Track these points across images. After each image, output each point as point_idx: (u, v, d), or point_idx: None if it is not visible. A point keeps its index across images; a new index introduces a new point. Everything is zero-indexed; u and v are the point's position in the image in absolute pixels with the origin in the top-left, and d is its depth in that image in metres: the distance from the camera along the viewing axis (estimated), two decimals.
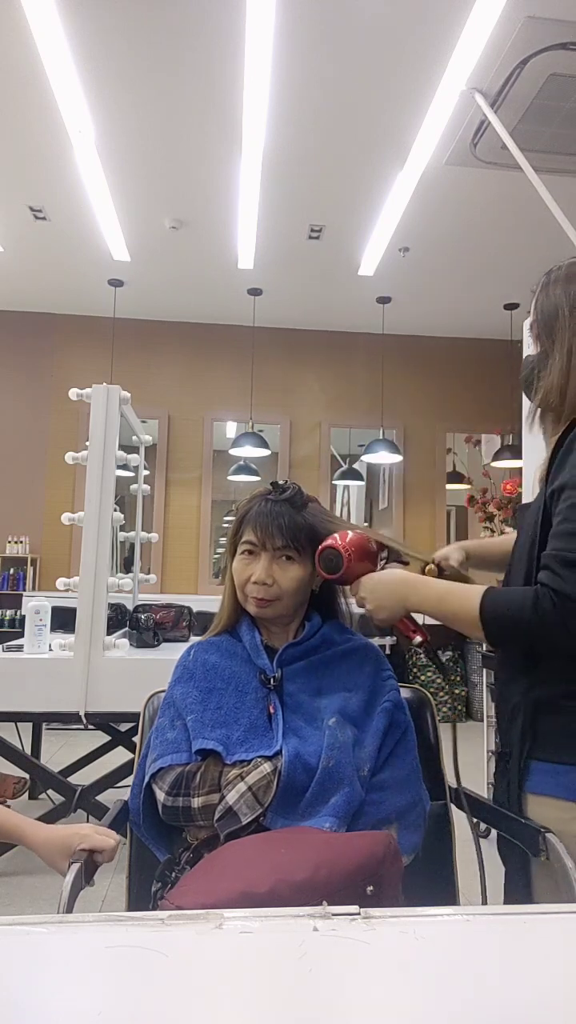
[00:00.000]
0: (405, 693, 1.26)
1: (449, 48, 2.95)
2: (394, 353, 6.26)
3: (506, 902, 1.08)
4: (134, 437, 3.33)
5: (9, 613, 5.52)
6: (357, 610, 1.19)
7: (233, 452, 5.73)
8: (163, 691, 1.18)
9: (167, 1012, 0.51)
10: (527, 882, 1.03)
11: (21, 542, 5.78)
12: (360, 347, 6.31)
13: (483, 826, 1.12)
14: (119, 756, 3.15)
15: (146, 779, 1.06)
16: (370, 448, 5.72)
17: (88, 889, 0.95)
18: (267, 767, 1.00)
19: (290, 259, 5.01)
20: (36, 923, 0.61)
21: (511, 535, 1.29)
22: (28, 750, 3.28)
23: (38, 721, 3.34)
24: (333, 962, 0.57)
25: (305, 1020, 0.50)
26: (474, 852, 1.08)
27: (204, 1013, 0.51)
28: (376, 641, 1.23)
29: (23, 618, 2.79)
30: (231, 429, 6.48)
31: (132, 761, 1.85)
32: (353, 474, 6.64)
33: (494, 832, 1.10)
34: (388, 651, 5.39)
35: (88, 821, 2.46)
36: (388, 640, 5.41)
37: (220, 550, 5.89)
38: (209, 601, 1.33)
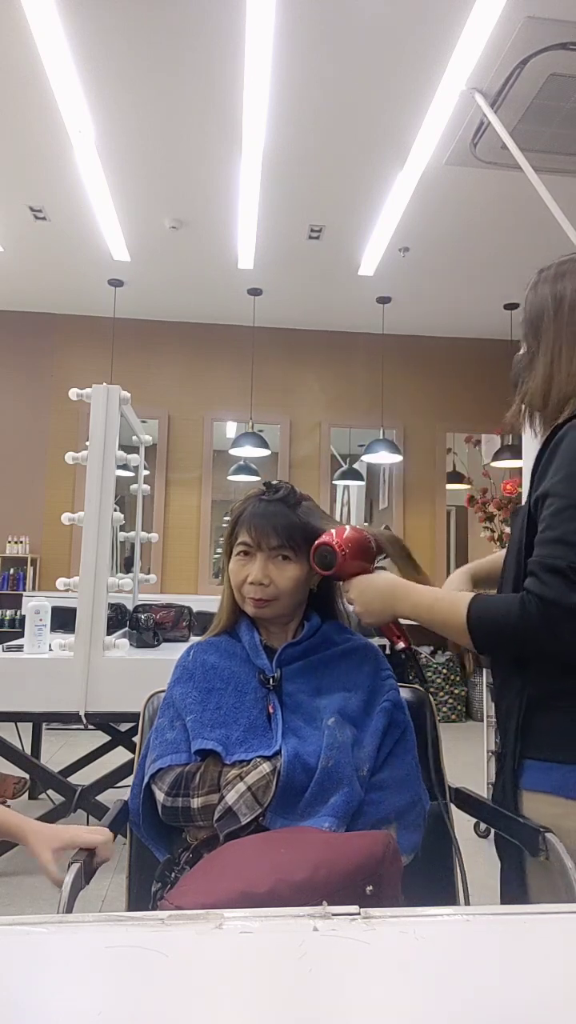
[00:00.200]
0: (405, 693, 1.26)
1: (449, 48, 2.95)
2: (394, 353, 6.26)
3: (502, 898, 1.09)
4: (134, 437, 3.33)
5: (9, 613, 5.52)
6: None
7: (233, 452, 5.73)
8: (163, 691, 1.18)
9: (167, 1012, 0.51)
10: (522, 879, 1.03)
11: (21, 542, 5.78)
12: (360, 347, 6.31)
13: (483, 826, 1.12)
14: (119, 756, 3.15)
15: (145, 780, 1.06)
16: (370, 448, 5.72)
17: (88, 889, 0.95)
18: (266, 767, 1.00)
19: (290, 259, 5.01)
20: (36, 923, 0.61)
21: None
22: (28, 750, 3.28)
23: (38, 721, 3.34)
24: (333, 962, 0.57)
25: (305, 1020, 0.50)
26: (474, 852, 1.08)
27: (204, 1013, 0.51)
28: (376, 641, 1.23)
29: (23, 618, 2.79)
30: (231, 429, 6.48)
31: (132, 761, 1.85)
32: (353, 474, 6.64)
33: (493, 831, 1.10)
34: (388, 651, 5.38)
35: (88, 821, 2.47)
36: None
37: (220, 550, 5.89)
38: (209, 601, 1.33)
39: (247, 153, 3.70)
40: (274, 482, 1.16)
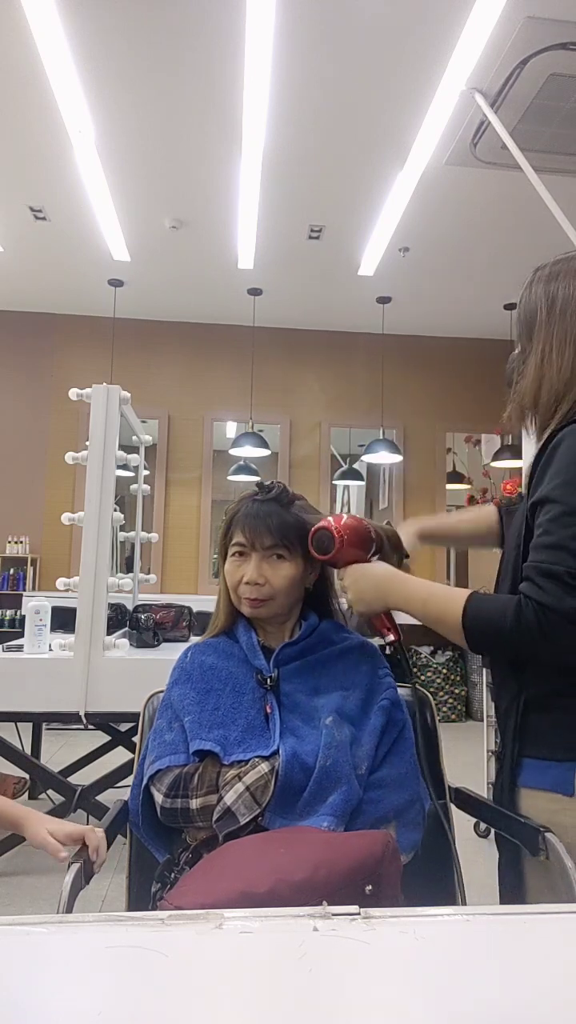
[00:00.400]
0: (403, 692, 1.26)
1: (449, 48, 2.95)
2: (394, 353, 6.26)
3: (501, 893, 1.09)
4: (134, 437, 3.33)
5: (9, 613, 5.52)
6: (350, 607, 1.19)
7: (233, 452, 5.73)
8: (163, 691, 1.18)
9: (167, 1012, 0.51)
10: (519, 874, 1.04)
11: (21, 542, 5.78)
12: (360, 347, 6.31)
13: (483, 826, 1.12)
14: (119, 756, 3.15)
15: (144, 781, 1.06)
16: (370, 448, 5.72)
17: (88, 889, 0.95)
18: (264, 767, 1.00)
19: (290, 259, 5.01)
20: (36, 923, 0.61)
21: (466, 512, 1.30)
22: (28, 750, 3.28)
23: (38, 721, 3.34)
24: (333, 962, 0.57)
25: (305, 1020, 0.50)
26: (474, 852, 1.08)
27: (204, 1013, 0.51)
28: (376, 641, 1.23)
29: (23, 618, 2.79)
30: (231, 429, 6.48)
31: (132, 761, 1.85)
32: (353, 474, 6.64)
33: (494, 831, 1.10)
34: (388, 651, 5.38)
35: (88, 821, 2.47)
36: (390, 649, 5.41)
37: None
38: (209, 601, 1.33)
39: (247, 153, 3.70)
40: (267, 482, 1.17)
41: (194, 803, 1.00)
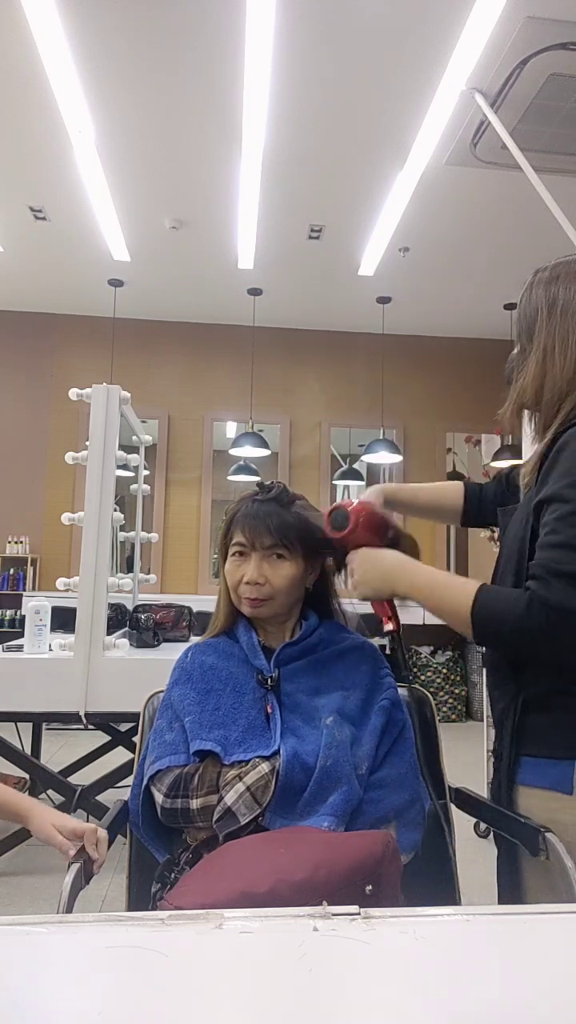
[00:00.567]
0: (404, 692, 1.26)
1: (449, 48, 2.95)
2: (394, 353, 6.26)
3: (499, 891, 1.10)
4: (134, 437, 3.33)
5: (9, 613, 5.52)
6: (356, 606, 1.19)
7: (233, 452, 5.73)
8: (163, 691, 1.18)
9: (167, 1012, 0.51)
10: (517, 871, 1.04)
11: (21, 542, 5.78)
12: (360, 347, 6.31)
13: (483, 826, 1.12)
14: (119, 756, 3.15)
15: (144, 781, 1.06)
16: (370, 448, 5.72)
17: (88, 889, 0.95)
18: (265, 767, 1.00)
19: (290, 259, 5.01)
20: (36, 923, 0.61)
21: (431, 485, 1.32)
22: (28, 750, 3.28)
23: (38, 721, 3.34)
24: (333, 962, 0.57)
25: (305, 1020, 0.50)
26: (474, 852, 1.08)
27: (204, 1013, 0.51)
28: (376, 641, 1.23)
29: (23, 618, 2.79)
30: (231, 429, 6.47)
31: (132, 761, 1.85)
32: (353, 474, 6.64)
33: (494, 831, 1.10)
34: (388, 651, 5.39)
35: (88, 821, 2.46)
36: (388, 640, 5.41)
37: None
38: (209, 601, 1.33)
39: (247, 153, 3.70)
40: (267, 482, 1.17)
41: (194, 803, 1.00)
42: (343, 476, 6.56)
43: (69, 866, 0.94)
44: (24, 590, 5.63)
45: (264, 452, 5.63)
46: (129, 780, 1.29)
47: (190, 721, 1.06)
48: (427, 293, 5.55)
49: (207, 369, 6.21)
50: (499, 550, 1.12)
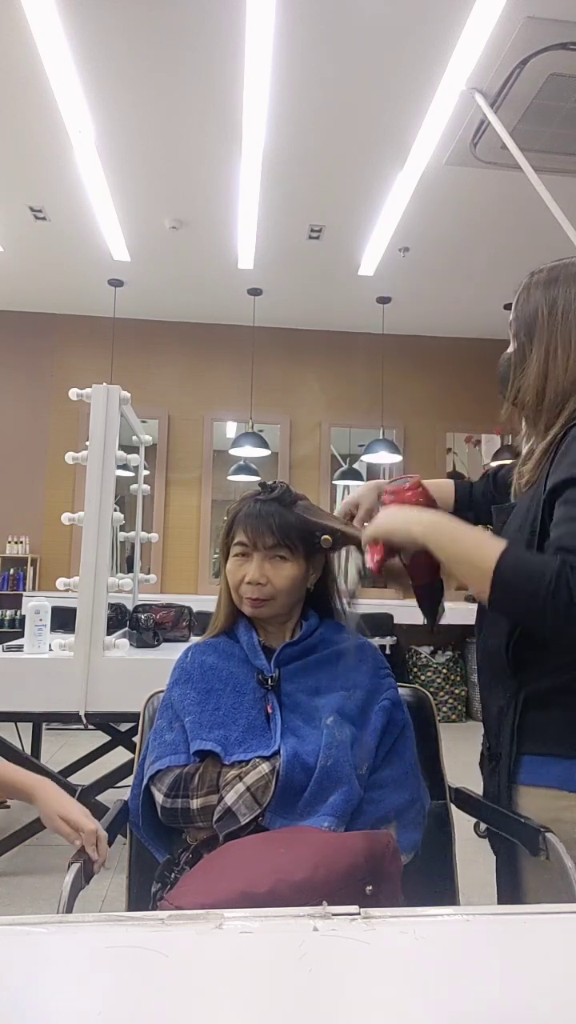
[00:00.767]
0: (405, 693, 1.26)
1: (449, 48, 2.95)
2: (394, 353, 6.25)
3: (499, 891, 1.10)
4: (134, 437, 3.33)
5: (9, 613, 5.52)
6: (352, 601, 1.18)
7: (233, 452, 5.73)
8: (163, 691, 1.18)
9: (167, 1012, 0.51)
10: (516, 871, 1.04)
11: (21, 542, 5.78)
12: (360, 347, 6.31)
13: (483, 826, 1.12)
14: (119, 756, 3.15)
15: (144, 781, 1.06)
16: (370, 448, 5.72)
17: (88, 889, 0.95)
18: (265, 767, 1.00)
19: (290, 259, 5.01)
20: (36, 923, 0.61)
21: (429, 483, 1.29)
22: (28, 750, 3.28)
23: (38, 721, 3.34)
24: (333, 962, 0.57)
25: (305, 1020, 0.50)
26: (474, 852, 1.08)
27: (204, 1013, 0.51)
28: (376, 641, 1.23)
29: (23, 618, 2.79)
30: (231, 429, 6.47)
31: (132, 761, 1.85)
32: (353, 474, 6.63)
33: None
34: (388, 651, 5.39)
35: None
36: (388, 640, 5.42)
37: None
38: (209, 601, 1.33)
39: (247, 153, 3.70)
40: (269, 482, 1.17)
41: (194, 803, 1.00)
42: (343, 476, 6.56)
43: (69, 866, 0.94)
44: (24, 590, 5.63)
45: (264, 452, 5.63)
46: (129, 780, 1.29)
47: (190, 721, 1.06)
48: (427, 293, 5.54)
49: (207, 369, 6.21)
50: None
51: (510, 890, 1.07)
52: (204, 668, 1.12)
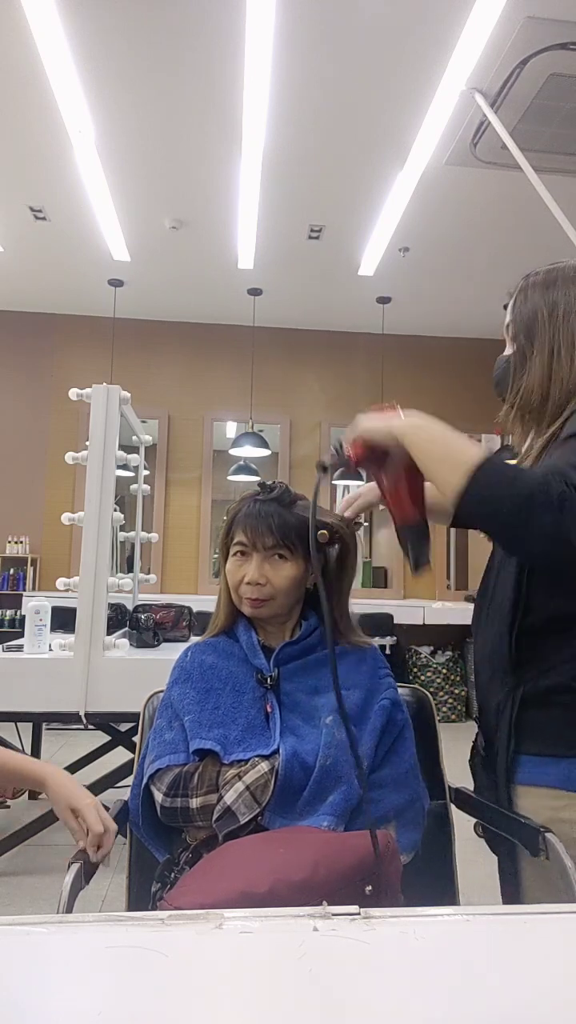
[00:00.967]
0: (405, 693, 1.26)
1: (449, 48, 2.95)
2: (394, 353, 6.25)
3: (503, 890, 1.10)
4: (134, 437, 3.33)
5: (9, 613, 5.52)
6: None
7: (233, 452, 5.73)
8: (163, 691, 1.18)
9: (167, 1012, 0.51)
10: (517, 871, 1.04)
11: (21, 542, 5.78)
12: (360, 347, 6.31)
13: (481, 828, 1.12)
14: (119, 756, 3.14)
15: (144, 780, 1.06)
16: None
17: (88, 889, 0.95)
18: (264, 766, 1.00)
19: (290, 259, 5.01)
20: (36, 923, 0.61)
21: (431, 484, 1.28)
22: (28, 750, 3.28)
23: (38, 721, 3.34)
24: (333, 962, 0.57)
25: (305, 1020, 0.50)
26: (473, 852, 1.08)
27: (204, 1013, 0.51)
28: (376, 641, 1.23)
29: (23, 618, 2.79)
30: (231, 429, 6.47)
31: (132, 761, 1.85)
32: (353, 474, 6.63)
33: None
34: (388, 651, 5.39)
35: None
36: (388, 640, 5.42)
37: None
38: (209, 601, 1.33)
39: (247, 153, 3.70)
40: (268, 482, 1.17)
41: (194, 802, 1.00)
42: (343, 476, 6.56)
43: (69, 866, 0.94)
44: (24, 590, 5.63)
45: (264, 452, 5.63)
46: (129, 780, 1.29)
47: (190, 720, 1.06)
48: (427, 293, 5.54)
49: (207, 369, 6.21)
50: (493, 545, 1.12)
51: (510, 890, 1.07)
52: (204, 667, 1.12)
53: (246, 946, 0.60)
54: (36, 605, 2.53)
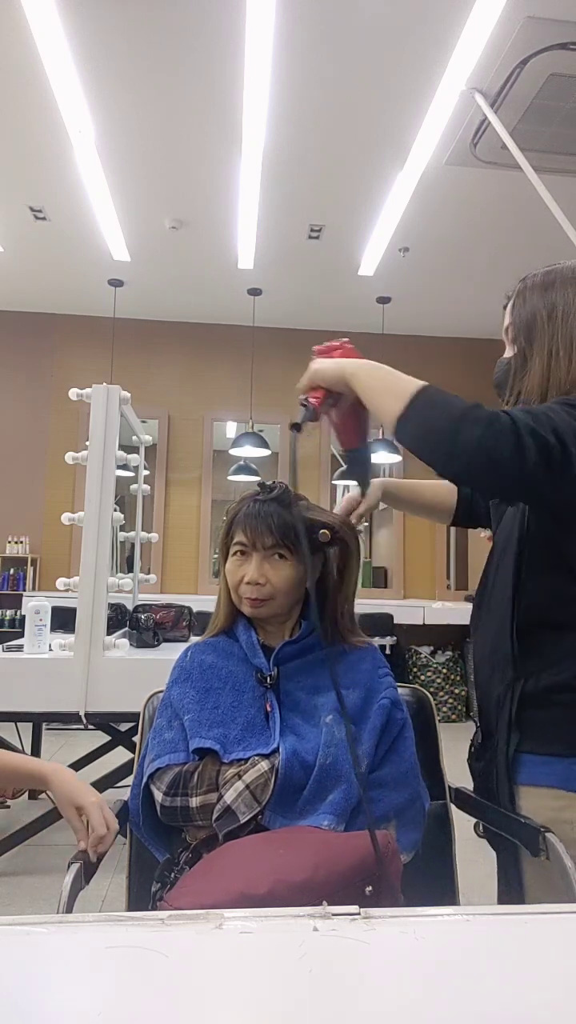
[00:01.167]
0: (405, 693, 1.26)
1: (449, 48, 2.95)
2: (394, 353, 6.25)
3: (500, 890, 1.10)
4: (134, 437, 3.33)
5: (9, 613, 5.52)
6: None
7: (233, 452, 5.73)
8: (162, 691, 1.18)
9: (167, 1012, 0.51)
10: (518, 870, 1.04)
11: (21, 542, 5.78)
12: (360, 347, 6.24)
13: (483, 825, 1.12)
14: (119, 756, 3.14)
15: (144, 779, 1.06)
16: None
17: (88, 889, 0.95)
18: (264, 765, 1.00)
19: (290, 259, 5.01)
20: (36, 923, 0.61)
21: (433, 483, 1.29)
22: (28, 750, 3.28)
23: (38, 721, 3.34)
24: (333, 962, 0.57)
25: (305, 1020, 0.50)
26: (473, 852, 1.08)
27: (204, 1013, 0.51)
28: (376, 641, 1.23)
29: (23, 618, 2.79)
30: (231, 429, 6.47)
31: (132, 761, 1.85)
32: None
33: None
34: (388, 651, 5.39)
35: None
36: (388, 640, 5.42)
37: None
38: (209, 601, 1.33)
39: (247, 153, 3.70)
40: (268, 482, 1.17)
41: (194, 801, 1.00)
42: (343, 476, 6.56)
43: (69, 866, 0.94)
44: (24, 590, 5.63)
45: (264, 452, 5.63)
46: (129, 780, 1.29)
47: (189, 719, 1.06)
48: (427, 293, 5.55)
49: (207, 369, 6.21)
50: (492, 544, 1.13)
51: (510, 890, 1.07)
52: (203, 667, 1.12)
53: (246, 946, 0.60)
54: (36, 605, 2.53)
